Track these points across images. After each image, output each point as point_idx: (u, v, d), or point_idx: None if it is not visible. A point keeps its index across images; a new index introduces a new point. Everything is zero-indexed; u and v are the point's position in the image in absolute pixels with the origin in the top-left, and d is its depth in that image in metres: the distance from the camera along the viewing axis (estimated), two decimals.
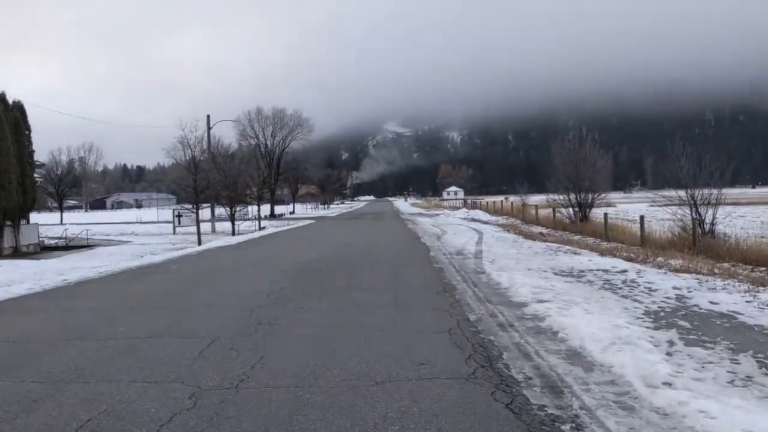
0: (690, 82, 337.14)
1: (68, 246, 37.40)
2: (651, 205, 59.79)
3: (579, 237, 25.18)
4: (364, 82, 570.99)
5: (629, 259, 14.89)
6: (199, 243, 29.73)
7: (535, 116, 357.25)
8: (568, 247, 19.23)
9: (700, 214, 20.06)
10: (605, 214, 25.80)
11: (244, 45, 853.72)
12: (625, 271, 12.68)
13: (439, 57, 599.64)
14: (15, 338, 7.60)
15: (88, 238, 39.93)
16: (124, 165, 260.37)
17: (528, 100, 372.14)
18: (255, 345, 6.79)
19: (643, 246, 20.01)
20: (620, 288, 10.68)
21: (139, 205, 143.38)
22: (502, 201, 57.11)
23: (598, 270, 13.00)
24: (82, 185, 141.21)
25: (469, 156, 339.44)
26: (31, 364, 6.23)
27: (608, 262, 14.29)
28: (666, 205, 22.79)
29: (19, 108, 29.77)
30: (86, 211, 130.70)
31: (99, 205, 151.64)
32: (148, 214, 76.32)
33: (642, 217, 21.73)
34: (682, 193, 20.88)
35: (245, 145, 73.09)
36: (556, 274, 12.68)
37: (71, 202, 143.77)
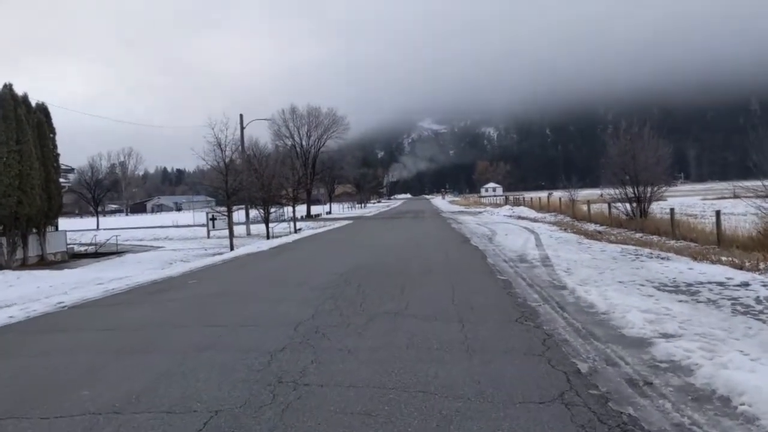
0: (733, 71, 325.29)
1: (98, 253, 36.04)
2: (704, 199, 57.05)
3: (640, 235, 22.59)
4: (399, 79, 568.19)
5: (737, 266, 12.12)
6: (231, 248, 27.87)
7: (572, 109, 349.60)
8: (648, 250, 16.45)
9: None
10: (672, 210, 23.00)
11: (280, 45, 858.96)
12: (746, 284, 9.96)
13: (475, 52, 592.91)
14: None
15: (117, 245, 38.57)
16: (164, 168, 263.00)
17: (565, 93, 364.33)
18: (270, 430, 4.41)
19: (722, 245, 17.31)
20: (763, 312, 8.00)
21: (179, 208, 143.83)
22: (548, 196, 53.99)
23: (709, 283, 10.30)
24: (121, 189, 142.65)
25: (506, 151, 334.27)
26: None
27: (713, 270, 11.57)
28: (741, 197, 20.08)
29: (42, 110, 28.15)
30: (126, 215, 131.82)
31: (139, 208, 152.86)
32: (185, 217, 75.40)
33: (718, 213, 18.90)
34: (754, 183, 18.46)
35: (280, 146, 71.55)
36: (658, 289, 10.02)
37: (112, 207, 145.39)
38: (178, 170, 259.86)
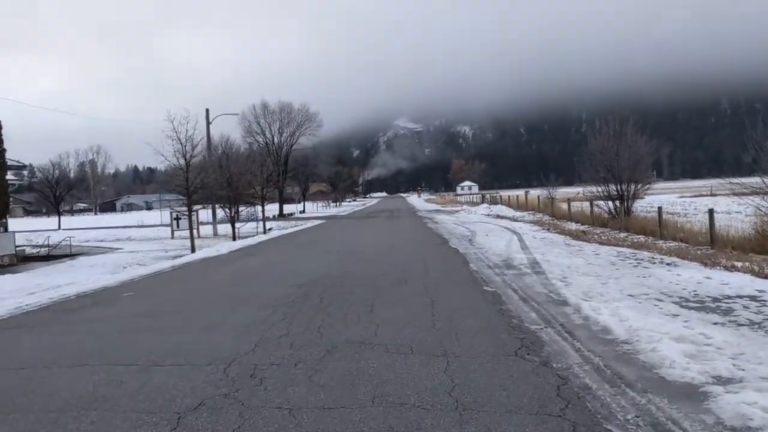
0: (704, 71, 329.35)
1: (50, 256, 33.63)
2: (681, 197, 56.30)
3: (625, 235, 21.21)
4: (374, 78, 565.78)
5: (758, 274, 10.46)
6: (193, 250, 25.80)
7: (547, 109, 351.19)
8: (647, 253, 14.79)
9: None
10: (659, 208, 21.54)
11: (252, 43, 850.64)
12: None
13: (450, 52, 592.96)
14: None
15: (72, 246, 36.12)
16: (135, 167, 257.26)
17: (540, 93, 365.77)
18: None
19: (716, 246, 15.89)
20: None
21: (149, 207, 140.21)
22: (526, 195, 52.54)
23: (739, 297, 8.58)
24: (90, 188, 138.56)
25: (482, 150, 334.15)
26: None
27: (735, 280, 9.86)
28: (738, 195, 18.77)
29: None
30: (95, 214, 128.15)
31: (109, 207, 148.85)
32: (154, 216, 72.59)
33: (711, 212, 17.44)
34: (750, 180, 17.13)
35: (252, 143, 69.14)
36: (680, 305, 8.27)
37: (81, 205, 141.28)
38: (149, 168, 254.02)
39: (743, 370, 5.31)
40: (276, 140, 69.93)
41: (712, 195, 57.39)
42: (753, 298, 8.41)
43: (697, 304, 8.27)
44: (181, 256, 22.53)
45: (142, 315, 9.46)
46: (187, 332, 7.95)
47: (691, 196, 55.79)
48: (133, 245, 34.75)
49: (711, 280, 9.96)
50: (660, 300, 8.66)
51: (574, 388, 5.09)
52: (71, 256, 32.33)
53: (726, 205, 30.67)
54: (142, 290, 12.56)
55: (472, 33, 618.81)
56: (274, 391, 5.26)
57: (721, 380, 5.09)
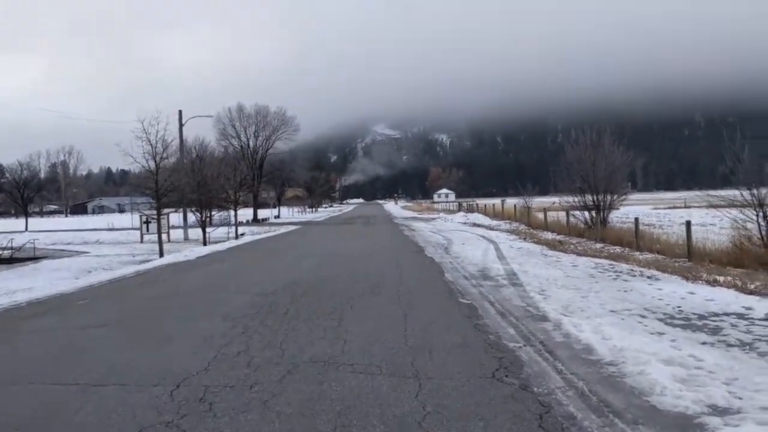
0: (679, 84, 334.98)
1: (13, 259, 32.53)
2: (655, 208, 56.67)
3: (602, 245, 20.96)
4: (353, 84, 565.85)
5: (742, 289, 10.13)
6: (161, 254, 25.06)
7: (524, 118, 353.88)
8: (625, 265, 14.45)
9: (767, 219, 15.70)
10: (636, 219, 21.35)
11: (231, 47, 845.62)
12: None
13: (428, 59, 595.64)
14: None
15: (35, 249, 35.01)
16: (108, 168, 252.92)
17: (517, 103, 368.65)
18: None
19: (693, 259, 15.64)
20: None
21: (121, 210, 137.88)
22: (502, 203, 52.38)
23: (725, 314, 8.19)
24: (61, 189, 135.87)
25: (459, 158, 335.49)
26: None
27: (719, 295, 9.50)
28: (717, 207, 18.65)
29: None
30: (66, 216, 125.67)
31: (80, 210, 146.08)
32: (125, 219, 71.11)
33: (689, 224, 17.18)
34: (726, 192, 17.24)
35: (227, 146, 68.20)
36: (665, 322, 7.86)
37: (52, 207, 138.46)
38: (123, 171, 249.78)
39: (740, 398, 4.87)
40: (251, 144, 69.14)
41: (686, 207, 57.83)
42: (740, 316, 8.03)
43: (683, 322, 7.87)
44: (148, 261, 21.80)
45: (95, 325, 8.79)
46: (139, 346, 7.32)
47: (665, 208, 56.18)
48: (101, 249, 33.81)
49: (695, 295, 9.59)
50: (643, 316, 8.25)
51: (557, 417, 4.61)
52: (35, 259, 31.30)
53: (700, 217, 30.67)
54: (99, 297, 11.85)
55: (452, 42, 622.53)
56: (223, 418, 4.68)
57: (717, 410, 4.65)
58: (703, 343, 6.70)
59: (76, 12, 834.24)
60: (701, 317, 8.09)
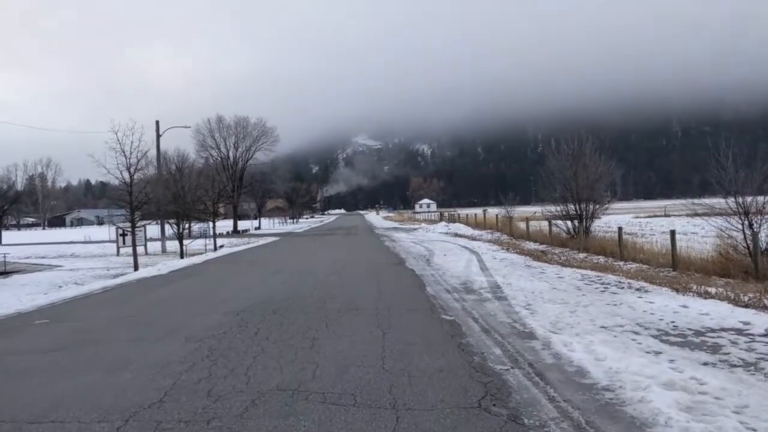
0: (656, 95, 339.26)
1: None
2: (636, 217, 56.79)
3: (585, 255, 20.62)
4: (334, 95, 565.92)
5: (735, 301, 9.70)
6: (136, 268, 24.23)
7: (503, 128, 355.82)
8: (612, 276, 14.01)
9: (752, 228, 15.43)
10: (620, 229, 21.05)
11: (211, 58, 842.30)
12: None
13: (409, 70, 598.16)
14: None
15: (6, 263, 33.90)
16: (87, 180, 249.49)
17: (497, 113, 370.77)
18: None
19: (678, 268, 15.34)
20: None
21: (100, 222, 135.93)
22: (484, 213, 52.09)
23: (722, 330, 7.73)
24: (38, 201, 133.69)
25: (440, 169, 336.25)
26: None
27: (713, 309, 9.05)
28: (702, 215, 18.47)
29: None
30: (44, 228, 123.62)
31: (58, 222, 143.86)
32: (102, 232, 69.78)
33: (673, 233, 16.90)
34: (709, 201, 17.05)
35: (206, 157, 67.39)
36: (661, 340, 7.36)
37: (29, 220, 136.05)
38: (102, 183, 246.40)
39: (754, 430, 4.36)
40: (231, 155, 68.35)
41: (666, 215, 58.02)
42: (739, 332, 7.56)
43: (680, 339, 7.38)
44: (122, 275, 21.01)
45: (47, 349, 8.10)
46: (90, 373, 6.66)
47: (646, 217, 56.31)
48: (75, 262, 32.79)
49: (688, 308, 9.13)
50: (637, 333, 7.76)
51: None
52: (5, 273, 30.22)
53: (681, 225, 30.56)
54: (59, 317, 11.12)
55: (431, 52, 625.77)
56: None
57: None
58: (704, 364, 6.21)
59: (52, 23, 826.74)
60: (698, 333, 7.62)
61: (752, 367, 6.03)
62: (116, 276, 21.05)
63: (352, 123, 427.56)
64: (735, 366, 6.11)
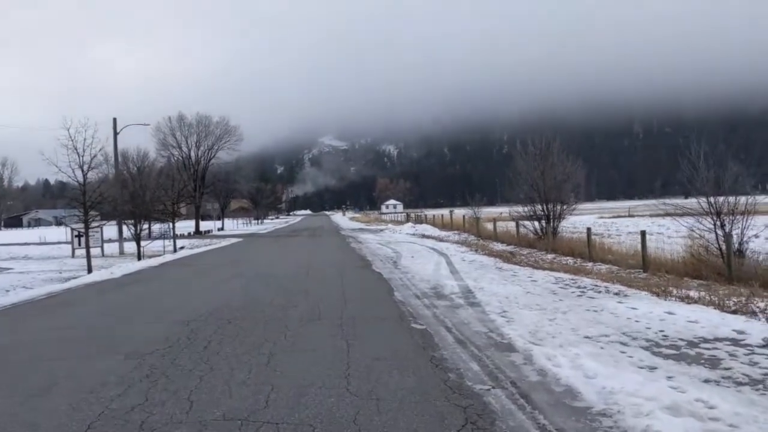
0: (618, 96, 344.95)
1: None
2: (600, 217, 57.09)
3: (553, 256, 20.22)
4: (299, 94, 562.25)
5: (720, 306, 9.16)
6: (90, 271, 22.97)
7: (470, 129, 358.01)
8: (588, 279, 13.44)
9: (724, 228, 15.09)
10: (588, 229, 20.71)
11: (174, 56, 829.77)
12: None
13: (375, 70, 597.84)
14: None
15: None
16: (46, 180, 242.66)
17: (463, 114, 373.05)
18: None
19: (648, 269, 14.94)
20: None
21: (59, 223, 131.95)
22: (451, 214, 51.66)
23: (716, 340, 7.13)
24: None
25: (406, 169, 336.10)
26: None
27: (702, 316, 8.45)
28: (671, 215, 18.22)
29: None
30: None
31: (15, 222, 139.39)
32: (60, 232, 67.38)
33: (644, 233, 16.52)
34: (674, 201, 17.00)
35: (167, 156, 65.59)
36: (652, 352, 6.71)
37: None
38: (61, 182, 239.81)
39: None
40: (193, 154, 66.61)
41: (630, 216, 58.45)
42: (735, 342, 6.97)
43: (673, 351, 6.74)
44: (74, 278, 19.79)
45: None
46: (7, 398, 5.71)
47: (611, 217, 56.62)
48: (27, 265, 31.16)
49: (675, 315, 8.54)
50: (625, 344, 7.11)
51: None
52: None
53: (646, 225, 30.42)
54: None
55: (397, 53, 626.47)
56: None
57: None
58: (706, 381, 5.57)
59: (12, 19, 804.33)
60: (691, 344, 7.00)
61: (761, 386, 5.40)
62: (67, 279, 19.84)
63: (318, 123, 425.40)
64: (741, 384, 5.48)
